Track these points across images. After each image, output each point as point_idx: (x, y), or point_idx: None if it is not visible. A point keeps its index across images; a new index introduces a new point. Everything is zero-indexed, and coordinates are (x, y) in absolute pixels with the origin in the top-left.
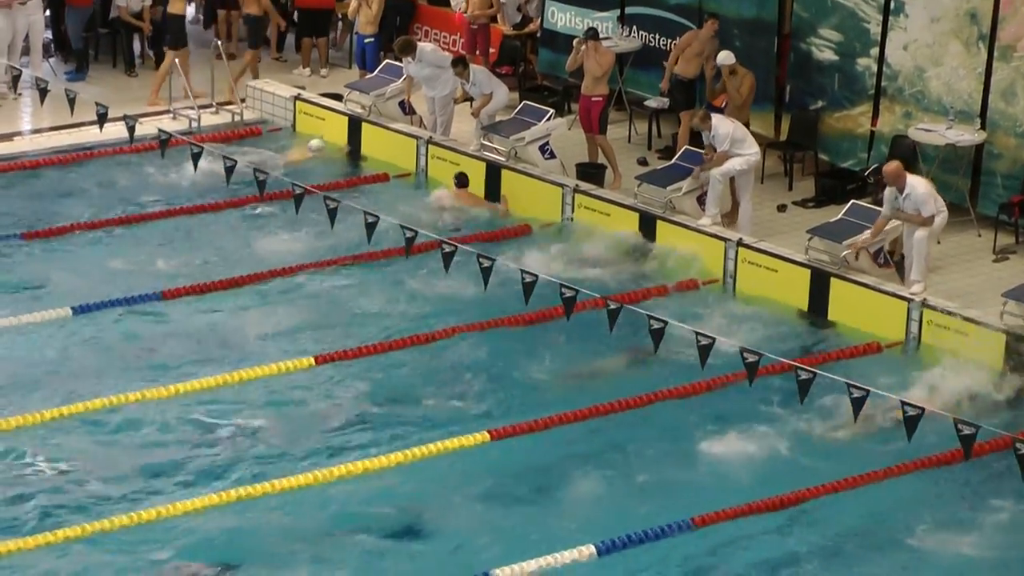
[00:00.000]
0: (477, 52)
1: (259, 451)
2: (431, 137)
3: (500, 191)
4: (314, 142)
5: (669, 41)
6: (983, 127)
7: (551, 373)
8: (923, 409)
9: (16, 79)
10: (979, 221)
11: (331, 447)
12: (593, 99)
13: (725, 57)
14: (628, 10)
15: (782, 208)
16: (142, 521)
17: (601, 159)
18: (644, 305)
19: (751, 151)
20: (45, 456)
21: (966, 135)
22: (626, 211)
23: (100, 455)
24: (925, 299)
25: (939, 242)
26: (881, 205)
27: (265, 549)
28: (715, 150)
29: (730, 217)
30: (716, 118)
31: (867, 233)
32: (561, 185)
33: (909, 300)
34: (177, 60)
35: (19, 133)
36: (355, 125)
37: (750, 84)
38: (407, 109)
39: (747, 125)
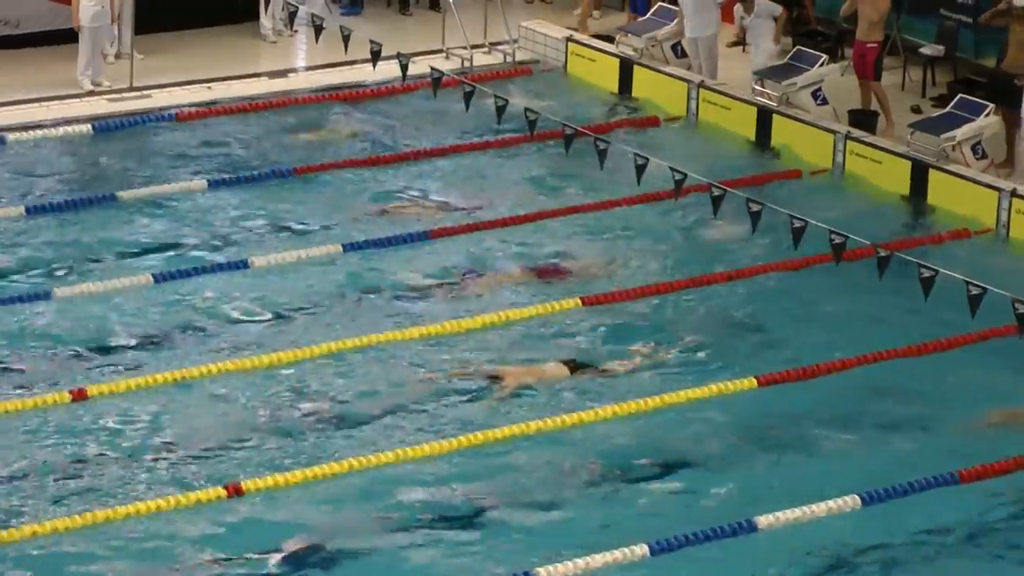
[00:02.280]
0: None
1: (537, 389)
2: (703, 81)
3: (771, 136)
4: None
5: None
6: None
7: (819, 320)
8: None
9: (292, 16)
10: None
11: (602, 388)
12: (868, 45)
13: None
14: None
15: None
16: (435, 453)
17: (874, 106)
18: (914, 253)
19: None
20: (315, 390)
21: None
22: (898, 159)
23: (373, 390)
24: None
25: None
26: None
27: (539, 482)
28: None
29: (1005, 166)
30: None
31: None
32: (833, 131)
33: None
34: None
35: (293, 70)
36: (626, 68)
37: None
38: (679, 52)
39: None
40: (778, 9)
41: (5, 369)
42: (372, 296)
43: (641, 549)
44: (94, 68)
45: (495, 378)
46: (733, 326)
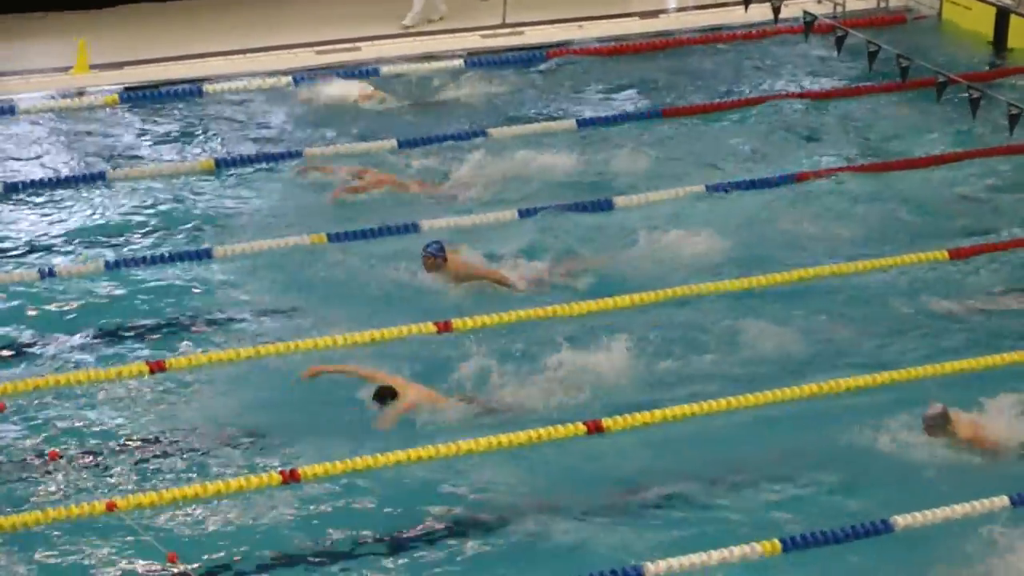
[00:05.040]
0: None
1: (865, 340)
2: None
3: None
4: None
5: None
6: None
7: None
8: None
9: None
10: None
11: (923, 345)
12: None
13: None
14: None
15: None
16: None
17: None
18: None
19: None
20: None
21: None
22: None
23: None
24: None
25: None
26: None
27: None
28: None
29: None
30: None
31: None
32: None
33: None
34: None
35: (664, 10)
36: (1002, 16)
37: None
38: None
39: None
40: None
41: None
42: (734, 237)
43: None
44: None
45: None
46: None
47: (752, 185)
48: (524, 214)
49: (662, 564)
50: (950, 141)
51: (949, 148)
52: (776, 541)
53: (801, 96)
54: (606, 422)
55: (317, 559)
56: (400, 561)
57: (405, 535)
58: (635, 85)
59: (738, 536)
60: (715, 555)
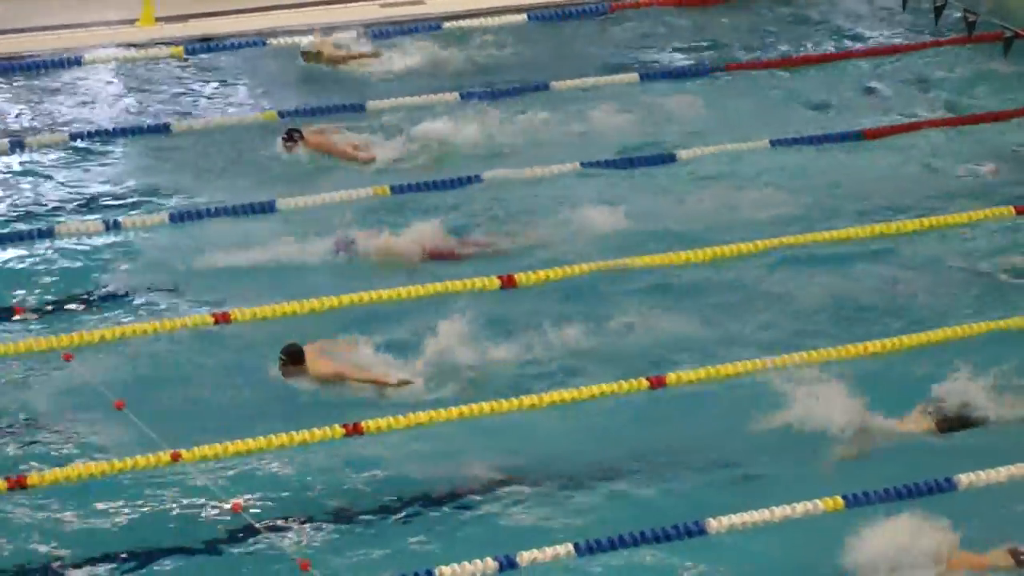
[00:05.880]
0: None
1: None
2: None
3: None
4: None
5: None
6: None
7: None
8: None
9: None
10: None
11: (988, 303)
12: None
13: None
14: None
15: None
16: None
17: None
18: None
19: None
20: None
21: None
22: None
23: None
24: None
25: None
26: None
27: None
28: None
29: None
30: None
31: None
32: None
33: None
34: None
35: None
36: None
37: None
38: None
39: None
40: None
41: None
42: (796, 193)
43: None
44: None
45: None
46: None
47: (818, 140)
48: (587, 166)
49: (724, 520)
50: (1016, 97)
51: (1015, 105)
52: (839, 498)
53: (866, 51)
54: (669, 377)
55: (379, 512)
56: (465, 514)
57: (469, 489)
58: (698, 38)
59: (800, 492)
60: (778, 512)
